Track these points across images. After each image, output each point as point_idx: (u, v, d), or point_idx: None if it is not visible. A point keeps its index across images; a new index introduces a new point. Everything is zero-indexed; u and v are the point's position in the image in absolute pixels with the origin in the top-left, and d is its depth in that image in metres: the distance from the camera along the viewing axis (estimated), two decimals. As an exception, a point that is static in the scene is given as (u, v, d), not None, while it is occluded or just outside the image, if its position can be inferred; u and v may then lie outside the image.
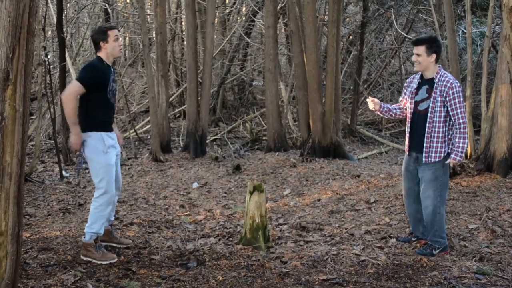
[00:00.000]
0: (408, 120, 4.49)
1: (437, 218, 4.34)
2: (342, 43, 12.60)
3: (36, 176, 7.89)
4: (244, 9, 15.56)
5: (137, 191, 7.15)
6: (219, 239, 5.07)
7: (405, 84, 4.64)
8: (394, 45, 13.04)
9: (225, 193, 7.22)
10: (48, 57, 9.21)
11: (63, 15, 10.14)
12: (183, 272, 4.05)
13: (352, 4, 14.76)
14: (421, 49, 4.29)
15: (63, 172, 8.02)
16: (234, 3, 14.95)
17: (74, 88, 4.09)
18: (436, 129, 4.28)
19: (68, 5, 12.63)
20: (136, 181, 7.91)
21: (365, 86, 13.97)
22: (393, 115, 4.67)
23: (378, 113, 4.65)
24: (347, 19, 14.73)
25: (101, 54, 4.24)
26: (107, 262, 4.16)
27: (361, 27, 12.51)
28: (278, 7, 11.00)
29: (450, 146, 4.32)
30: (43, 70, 8.37)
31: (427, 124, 4.29)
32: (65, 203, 6.20)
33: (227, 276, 3.97)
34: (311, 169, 8.00)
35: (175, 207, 6.41)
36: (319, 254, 4.45)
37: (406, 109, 4.60)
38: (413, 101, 4.43)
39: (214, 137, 11.85)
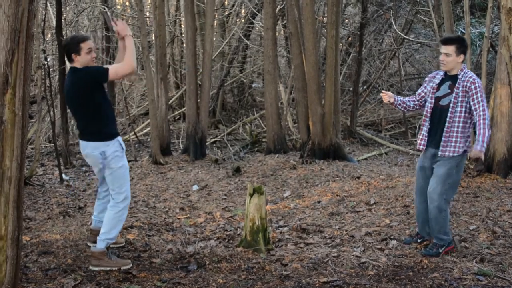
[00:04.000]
0: (428, 115, 4.43)
1: (442, 214, 4.32)
2: (341, 44, 12.60)
3: (36, 179, 7.89)
4: (243, 11, 15.56)
5: (137, 194, 7.14)
6: (219, 242, 5.06)
7: (426, 79, 4.60)
8: (393, 46, 13.05)
9: (225, 195, 7.21)
10: (48, 60, 9.21)
11: (63, 18, 10.14)
12: (184, 275, 4.05)
13: (351, 5, 14.77)
14: (450, 49, 4.25)
15: (63, 175, 8.01)
16: (233, 6, 14.96)
17: (114, 70, 3.90)
18: (456, 124, 4.27)
19: (67, 8, 12.63)
20: (136, 184, 7.90)
21: (365, 87, 13.97)
22: (408, 107, 4.61)
23: (393, 106, 4.61)
24: (346, 20, 14.74)
25: (75, 65, 3.97)
26: (126, 267, 4.07)
27: (360, 29, 12.51)
28: (277, 9, 11.01)
29: (467, 144, 4.31)
30: (43, 73, 8.37)
31: (447, 119, 4.27)
32: (65, 206, 6.20)
33: (228, 279, 3.96)
34: (311, 171, 7.99)
35: (175, 209, 6.41)
36: (319, 256, 4.45)
37: (420, 102, 4.56)
38: (434, 96, 4.41)
39: (214, 139, 11.84)
